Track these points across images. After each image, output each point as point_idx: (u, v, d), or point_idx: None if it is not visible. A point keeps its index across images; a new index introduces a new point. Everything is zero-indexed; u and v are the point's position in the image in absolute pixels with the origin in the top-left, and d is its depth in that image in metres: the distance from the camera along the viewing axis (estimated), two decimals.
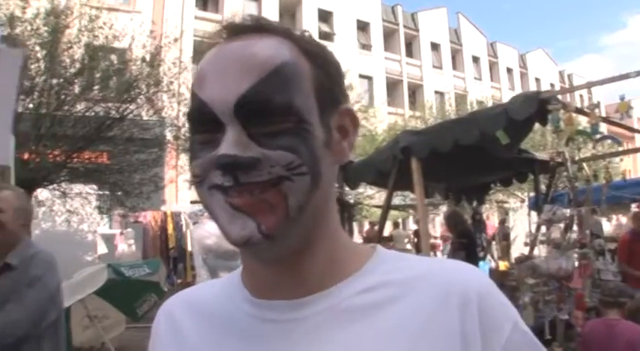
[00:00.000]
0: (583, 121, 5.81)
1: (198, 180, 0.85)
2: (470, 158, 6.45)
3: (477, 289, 0.86)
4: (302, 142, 0.81)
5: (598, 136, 6.06)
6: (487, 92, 40.61)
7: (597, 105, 5.94)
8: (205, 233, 15.23)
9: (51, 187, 13.12)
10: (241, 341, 0.90)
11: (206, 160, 0.82)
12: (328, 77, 0.89)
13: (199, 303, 1.02)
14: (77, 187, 14.03)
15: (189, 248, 15.43)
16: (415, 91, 42.20)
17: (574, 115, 5.63)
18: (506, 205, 25.81)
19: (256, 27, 0.87)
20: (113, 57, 14.09)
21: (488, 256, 15.72)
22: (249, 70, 0.81)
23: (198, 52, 25.69)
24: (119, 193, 14.31)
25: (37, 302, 2.98)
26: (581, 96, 47.50)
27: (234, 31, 0.87)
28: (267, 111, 0.80)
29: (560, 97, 5.56)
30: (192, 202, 21.36)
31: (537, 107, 5.23)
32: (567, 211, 6.19)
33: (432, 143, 6.08)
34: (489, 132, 5.48)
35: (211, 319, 0.97)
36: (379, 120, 27.51)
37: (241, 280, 0.98)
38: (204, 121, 0.83)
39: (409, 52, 43.04)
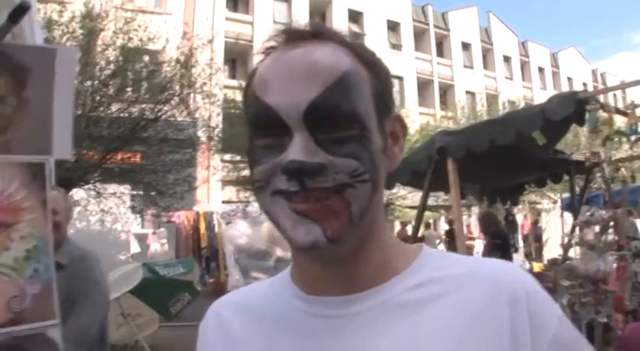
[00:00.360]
0: (618, 121, 5.74)
1: (259, 185, 0.86)
2: (505, 159, 6.39)
3: (524, 287, 0.88)
4: (365, 150, 0.83)
5: (633, 137, 5.97)
6: (518, 92, 40.23)
7: (636, 105, 5.83)
8: (237, 233, 15.38)
9: (86, 187, 13.30)
10: (294, 337, 0.92)
11: (270, 166, 0.84)
12: (383, 84, 0.91)
13: (248, 303, 1.04)
14: (111, 187, 14.20)
15: (221, 248, 15.53)
16: (446, 91, 41.94)
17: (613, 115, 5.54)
18: (538, 206, 25.57)
19: (314, 33, 0.88)
20: (147, 58, 14.25)
21: (522, 257, 15.60)
22: (314, 77, 0.82)
23: (232, 52, 25.92)
24: (153, 193, 14.49)
25: (101, 303, 3.02)
26: (614, 95, 46.88)
27: (293, 36, 0.88)
28: (335, 118, 0.82)
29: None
30: (224, 202, 21.51)
31: (575, 107, 5.17)
32: (604, 213, 6.12)
33: (467, 144, 6.03)
34: (526, 132, 5.43)
35: (262, 318, 0.98)
36: (411, 120, 27.42)
37: (291, 279, 1.00)
38: (269, 125, 0.84)
39: (440, 52, 42.80)
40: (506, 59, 46.50)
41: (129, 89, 13.64)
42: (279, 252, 15.51)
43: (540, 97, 35.41)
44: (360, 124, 0.83)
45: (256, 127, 0.86)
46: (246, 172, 17.65)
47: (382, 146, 0.88)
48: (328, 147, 0.81)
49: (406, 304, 0.88)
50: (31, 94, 1.84)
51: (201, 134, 15.57)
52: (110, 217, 14.27)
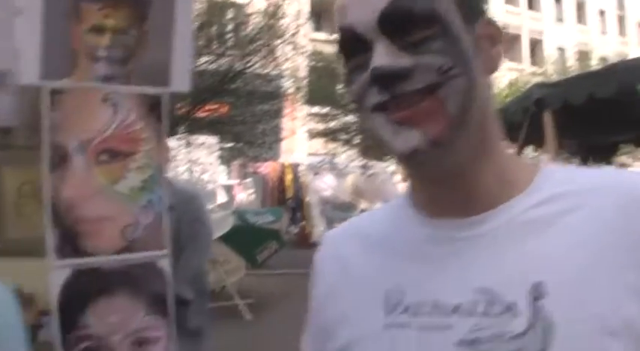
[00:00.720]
0: None
1: (357, 106, 0.87)
2: (603, 114, 6.17)
3: None
4: (450, 46, 0.81)
5: None
6: (613, 48, 38.60)
7: None
8: (323, 185, 15.56)
9: (175, 137, 13.61)
10: (414, 261, 0.90)
11: (360, 83, 0.84)
12: None
13: (364, 230, 1.03)
14: (200, 138, 14.50)
15: (306, 199, 15.73)
16: (535, 45, 40.66)
17: None
18: (630, 170, 24.72)
19: None
20: (233, 11, 14.34)
21: None
22: None
23: (318, 6, 25.85)
24: (240, 144, 14.74)
25: (207, 245, 3.09)
26: None
27: None
28: (411, 20, 0.80)
29: None
30: (311, 155, 21.66)
31: None
32: None
33: (565, 96, 5.83)
34: (629, 85, 5.20)
35: (379, 244, 0.97)
36: (501, 74, 26.76)
37: (408, 202, 0.97)
38: (352, 45, 0.84)
39: (530, 5, 41.40)
40: (601, 13, 44.58)
41: (218, 41, 13.78)
42: (363, 204, 15.69)
43: (637, 54, 33.94)
44: (440, 23, 0.81)
45: (343, 52, 0.87)
46: (333, 124, 17.70)
47: (473, 46, 0.85)
48: (411, 49, 0.80)
49: (531, 222, 0.84)
50: (152, 27, 1.89)
51: (289, 85, 15.67)
52: (198, 168, 14.62)
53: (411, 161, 0.85)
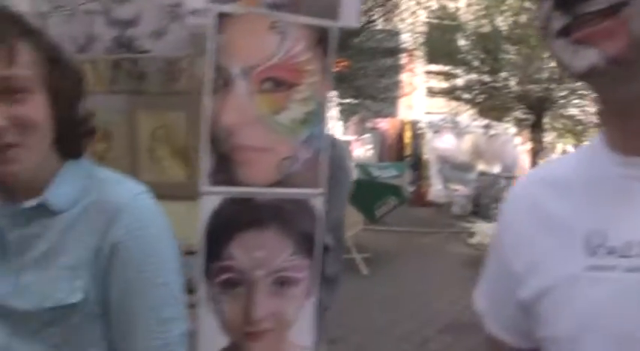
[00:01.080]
0: None
1: (543, 33, 0.86)
2: None
3: None
4: None
5: None
6: None
7: None
8: (443, 144, 15.37)
9: None
10: (614, 202, 0.86)
11: (545, 7, 0.83)
12: None
13: (556, 175, 1.00)
14: None
15: (424, 157, 15.63)
16: None
17: None
18: None
19: None
20: None
21: None
22: None
23: None
24: (360, 100, 14.78)
25: (347, 192, 3.03)
26: None
27: None
28: None
29: None
30: (430, 113, 21.39)
31: None
32: None
33: None
34: None
35: (575, 187, 0.94)
36: None
37: (603, 143, 0.92)
38: None
39: None
40: None
41: None
42: (481, 165, 15.48)
43: None
44: None
45: None
46: (456, 82, 17.39)
47: None
48: None
49: None
50: None
51: (410, 41, 15.55)
52: None
53: (589, 80, 0.84)
